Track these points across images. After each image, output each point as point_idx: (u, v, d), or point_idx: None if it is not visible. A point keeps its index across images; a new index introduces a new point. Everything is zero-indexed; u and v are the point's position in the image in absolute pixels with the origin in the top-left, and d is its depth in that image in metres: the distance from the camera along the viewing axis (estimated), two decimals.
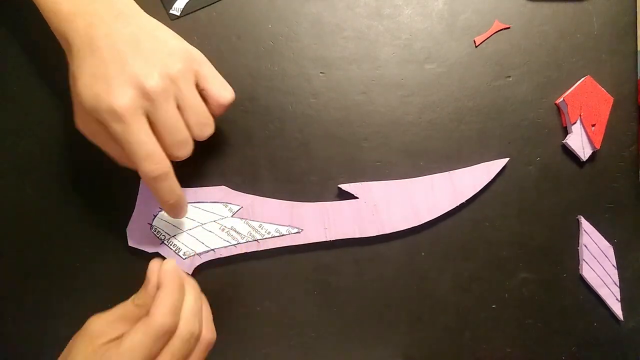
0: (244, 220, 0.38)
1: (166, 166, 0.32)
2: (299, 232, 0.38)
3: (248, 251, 0.38)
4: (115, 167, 0.34)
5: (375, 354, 0.40)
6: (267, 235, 0.38)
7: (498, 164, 0.40)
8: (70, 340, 0.32)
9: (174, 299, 0.31)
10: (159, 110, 0.31)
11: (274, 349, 0.39)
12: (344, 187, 0.39)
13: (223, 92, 0.34)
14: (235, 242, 0.38)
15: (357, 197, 0.39)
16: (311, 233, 0.38)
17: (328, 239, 0.38)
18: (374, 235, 0.39)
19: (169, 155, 0.32)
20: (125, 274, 0.38)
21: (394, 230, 0.39)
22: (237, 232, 0.38)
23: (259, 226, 0.38)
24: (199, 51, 0.34)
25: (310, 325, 0.39)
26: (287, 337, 0.39)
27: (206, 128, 0.34)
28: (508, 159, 0.40)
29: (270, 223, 0.38)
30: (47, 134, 0.39)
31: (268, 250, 0.38)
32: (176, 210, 0.35)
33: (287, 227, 0.38)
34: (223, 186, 0.38)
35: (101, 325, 0.31)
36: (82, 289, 0.38)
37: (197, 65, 0.33)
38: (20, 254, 0.38)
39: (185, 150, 0.33)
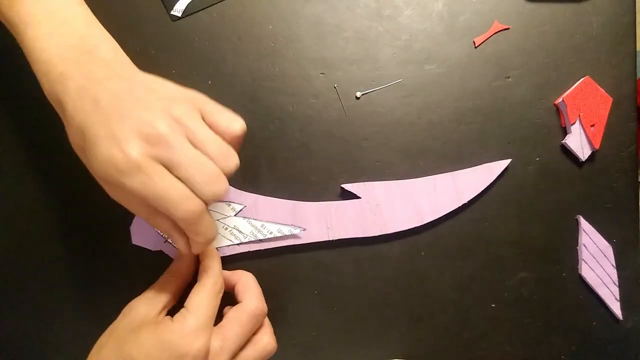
0: (246, 219, 0.38)
1: (200, 204, 0.29)
2: (301, 232, 0.38)
3: (251, 250, 0.38)
4: None
5: (375, 353, 0.40)
6: (269, 235, 0.38)
7: (500, 165, 0.40)
8: (108, 330, 0.33)
9: (258, 288, 0.36)
10: (174, 151, 0.28)
11: None
12: (347, 186, 0.39)
13: (232, 122, 0.31)
14: (238, 242, 0.38)
15: (359, 197, 0.39)
16: (313, 232, 0.38)
17: (330, 239, 0.39)
18: (377, 235, 0.39)
19: (204, 198, 0.29)
20: (128, 272, 0.38)
21: (397, 230, 0.39)
22: (240, 232, 0.38)
23: (262, 226, 0.38)
24: (198, 92, 0.32)
25: (310, 325, 0.40)
26: (287, 337, 0.39)
27: (230, 159, 0.30)
28: (510, 160, 0.40)
29: (272, 222, 0.38)
30: (48, 133, 0.39)
31: (269, 249, 0.38)
32: (209, 243, 0.33)
33: (289, 227, 0.38)
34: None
35: (143, 303, 0.33)
36: (85, 287, 0.39)
37: (199, 103, 0.31)
38: (21, 252, 0.39)
39: (220, 185, 0.29)
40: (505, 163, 0.40)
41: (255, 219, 0.38)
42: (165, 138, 0.28)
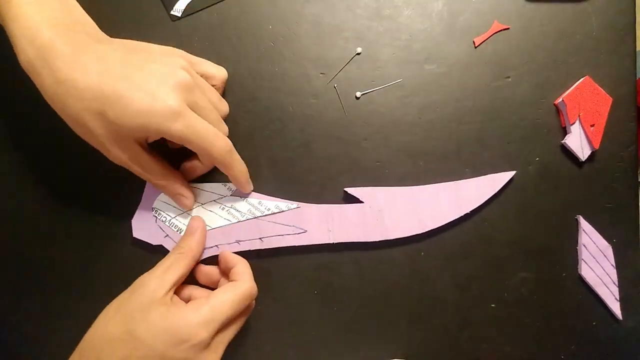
0: (243, 198, 0.38)
1: (228, 140, 0.34)
2: (303, 233, 0.38)
3: (251, 249, 0.38)
4: None
5: (375, 353, 0.40)
6: (267, 212, 0.38)
7: (504, 177, 0.40)
8: (115, 302, 0.33)
9: (250, 271, 0.36)
10: (197, 95, 0.33)
11: (274, 349, 0.39)
12: (350, 190, 0.39)
13: (218, 70, 0.37)
14: (236, 220, 0.38)
15: (362, 202, 0.39)
16: (315, 235, 0.38)
17: (332, 242, 0.38)
18: (378, 240, 0.39)
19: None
20: (129, 266, 0.38)
21: (398, 237, 0.39)
22: (237, 210, 0.38)
23: (259, 203, 0.38)
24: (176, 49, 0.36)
25: (310, 325, 0.40)
26: (287, 337, 0.39)
27: (223, 103, 0.37)
28: (515, 172, 0.40)
29: (269, 200, 0.38)
30: (47, 131, 0.39)
31: (269, 249, 0.38)
32: (248, 181, 0.38)
33: (286, 203, 0.38)
34: (229, 183, 0.39)
35: (153, 280, 0.33)
36: (86, 280, 0.39)
37: (186, 56, 0.35)
38: (23, 248, 0.39)
39: (224, 125, 0.36)
40: (509, 175, 0.40)
41: (252, 197, 0.38)
42: (190, 84, 0.32)
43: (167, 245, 0.38)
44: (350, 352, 0.40)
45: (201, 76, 0.36)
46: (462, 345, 0.40)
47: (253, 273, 0.38)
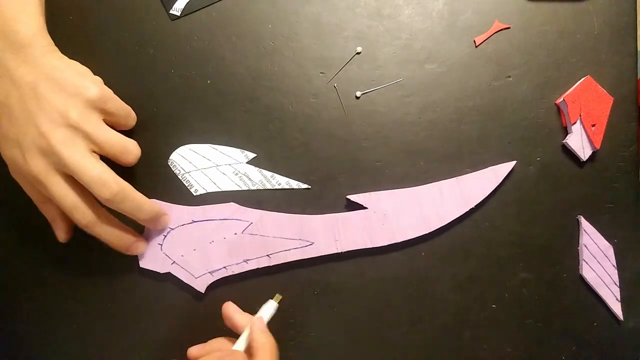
0: (257, 168, 0.38)
1: (90, 215, 0.33)
2: (310, 245, 0.38)
3: (260, 267, 0.38)
4: None
5: (374, 353, 0.40)
6: (277, 186, 0.38)
7: (505, 168, 0.40)
8: None
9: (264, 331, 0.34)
10: (67, 161, 0.31)
11: None
12: (352, 197, 0.39)
13: (128, 120, 0.36)
14: (247, 188, 0.38)
15: (366, 208, 0.39)
16: (322, 246, 0.38)
17: (339, 251, 0.38)
18: (385, 245, 0.38)
19: (101, 200, 0.32)
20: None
21: (405, 239, 0.39)
22: (249, 179, 0.38)
23: (271, 176, 0.38)
24: (99, 85, 0.33)
25: (310, 325, 0.39)
26: (286, 338, 0.39)
27: (128, 154, 0.34)
28: (515, 162, 0.40)
29: (281, 175, 0.38)
30: None
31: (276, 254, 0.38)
32: (126, 247, 0.36)
33: (297, 182, 0.38)
34: (232, 202, 0.38)
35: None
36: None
37: (100, 103, 0.33)
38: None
39: (108, 189, 0.32)
40: (509, 165, 0.40)
41: (266, 169, 0.38)
42: (59, 151, 0.31)
43: (175, 272, 0.37)
44: (349, 353, 0.40)
45: (109, 124, 0.34)
46: (463, 346, 0.40)
47: (252, 274, 0.38)
